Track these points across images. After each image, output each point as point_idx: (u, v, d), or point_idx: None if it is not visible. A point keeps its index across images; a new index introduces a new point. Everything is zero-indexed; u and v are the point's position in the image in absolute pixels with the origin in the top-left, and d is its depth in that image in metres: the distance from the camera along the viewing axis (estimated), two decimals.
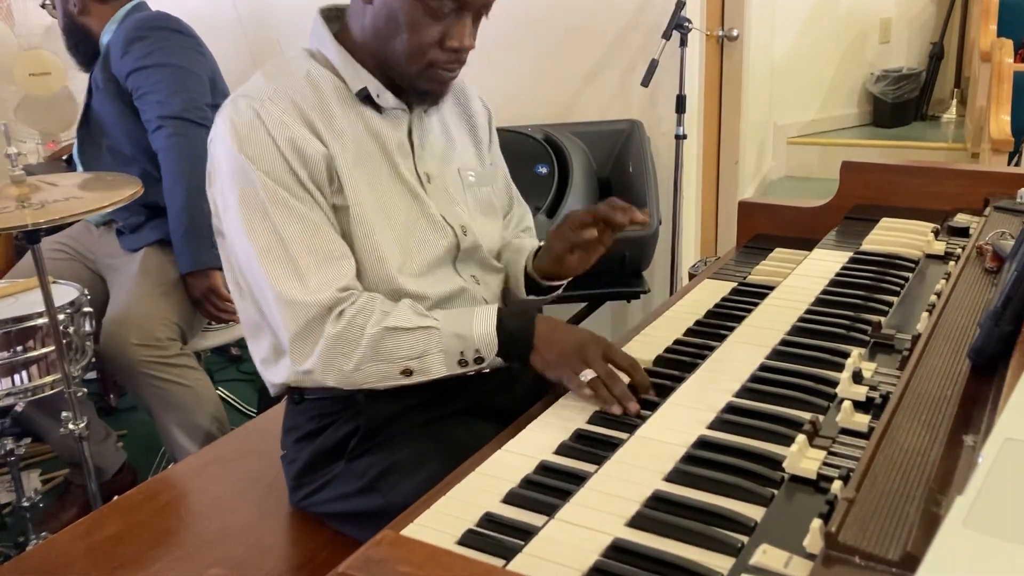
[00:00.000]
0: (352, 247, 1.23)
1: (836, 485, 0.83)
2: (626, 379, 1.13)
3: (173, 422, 2.19)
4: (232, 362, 3.29)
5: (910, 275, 1.40)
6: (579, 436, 1.05)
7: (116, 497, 1.49)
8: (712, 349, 1.22)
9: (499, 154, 1.51)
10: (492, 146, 1.49)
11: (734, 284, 1.52)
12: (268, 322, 1.24)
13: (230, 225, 1.22)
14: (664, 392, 1.11)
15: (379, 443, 1.27)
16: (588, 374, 1.13)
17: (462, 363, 1.20)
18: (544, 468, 0.98)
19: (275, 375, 1.27)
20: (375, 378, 1.19)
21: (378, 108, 1.28)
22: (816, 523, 0.75)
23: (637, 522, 0.84)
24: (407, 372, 1.19)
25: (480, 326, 1.19)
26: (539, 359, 1.19)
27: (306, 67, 1.27)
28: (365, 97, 1.27)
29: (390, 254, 1.24)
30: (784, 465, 0.89)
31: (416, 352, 1.18)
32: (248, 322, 1.29)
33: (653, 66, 2.64)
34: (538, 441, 1.04)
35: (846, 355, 1.09)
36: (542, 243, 1.42)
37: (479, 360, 1.20)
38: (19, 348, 1.90)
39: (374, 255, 1.23)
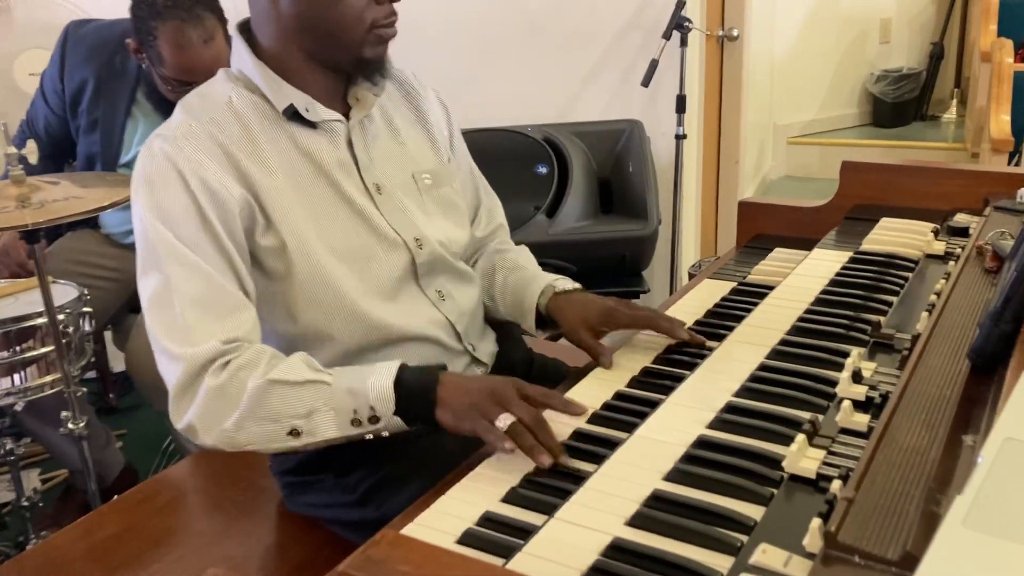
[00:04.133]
0: (297, 283, 1.16)
1: (835, 485, 0.83)
2: (545, 413, 1.04)
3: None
4: None
5: (910, 275, 1.39)
6: (579, 435, 1.04)
7: (116, 497, 1.49)
8: (712, 349, 1.22)
9: (464, 150, 1.43)
10: (454, 141, 1.40)
11: (734, 284, 1.51)
12: None
13: (137, 270, 1.15)
14: (664, 392, 1.11)
15: (367, 456, 1.23)
16: (505, 419, 1.01)
17: (355, 423, 1.07)
18: None
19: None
20: (259, 439, 1.08)
21: (310, 124, 1.20)
22: (816, 522, 0.75)
23: (637, 521, 0.84)
24: (294, 433, 1.07)
25: (376, 380, 1.07)
26: (446, 413, 1.06)
27: (228, 92, 1.19)
28: (293, 115, 1.19)
29: (344, 281, 1.18)
30: (783, 465, 0.89)
31: (303, 410, 1.06)
32: None
33: (653, 66, 2.64)
34: None
35: (846, 355, 1.09)
36: (553, 282, 1.34)
37: (374, 419, 1.07)
38: (18, 348, 1.90)
39: (326, 286, 1.17)
